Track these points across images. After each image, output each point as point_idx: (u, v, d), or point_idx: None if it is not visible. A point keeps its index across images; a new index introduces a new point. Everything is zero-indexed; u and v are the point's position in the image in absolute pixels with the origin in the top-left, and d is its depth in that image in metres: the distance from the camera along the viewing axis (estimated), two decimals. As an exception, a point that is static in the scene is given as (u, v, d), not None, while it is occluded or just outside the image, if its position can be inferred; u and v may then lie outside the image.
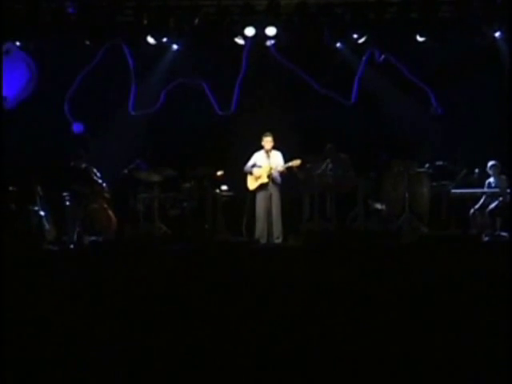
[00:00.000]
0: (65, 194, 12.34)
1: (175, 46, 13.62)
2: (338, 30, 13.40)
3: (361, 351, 4.23)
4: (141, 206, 12.66)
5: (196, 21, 13.08)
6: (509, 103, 12.40)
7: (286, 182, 12.24)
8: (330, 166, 12.70)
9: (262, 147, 12.22)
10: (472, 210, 12.41)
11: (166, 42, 13.51)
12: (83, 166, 12.47)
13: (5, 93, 12.94)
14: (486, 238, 11.66)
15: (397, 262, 7.53)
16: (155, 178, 12.66)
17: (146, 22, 13.07)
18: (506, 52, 13.16)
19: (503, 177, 12.40)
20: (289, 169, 12.02)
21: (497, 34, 13.13)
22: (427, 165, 12.91)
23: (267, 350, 4.21)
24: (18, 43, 13.28)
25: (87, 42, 13.34)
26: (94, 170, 12.55)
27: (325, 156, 12.81)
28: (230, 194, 12.95)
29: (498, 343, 4.27)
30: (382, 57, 13.77)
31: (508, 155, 11.94)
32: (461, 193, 12.50)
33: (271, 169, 12.03)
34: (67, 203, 12.32)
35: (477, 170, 12.66)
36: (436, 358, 4.16)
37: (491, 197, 12.40)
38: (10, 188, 12.08)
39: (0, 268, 6.74)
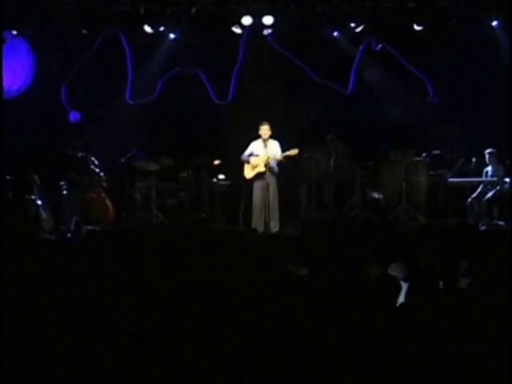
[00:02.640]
0: (62, 182, 12.35)
1: (172, 35, 13.63)
2: (335, 19, 13.42)
3: (356, 341, 4.24)
4: (138, 195, 12.69)
5: (193, 10, 13.09)
6: (509, 92, 12.40)
7: (283, 171, 12.22)
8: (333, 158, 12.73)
9: (259, 136, 12.16)
10: (469, 199, 12.40)
11: (163, 31, 13.53)
12: (80, 154, 12.47)
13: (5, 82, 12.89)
14: (483, 227, 11.67)
15: (393, 251, 7.53)
16: (152, 167, 12.69)
17: (142, 10, 13.08)
18: (504, 41, 13.16)
19: (501, 165, 12.39)
20: (286, 158, 11.97)
21: (494, 23, 13.13)
22: (425, 154, 12.93)
23: (263, 340, 4.22)
24: (14, 32, 13.23)
25: (84, 31, 13.35)
26: (92, 159, 12.54)
27: (328, 146, 12.83)
28: (227, 183, 12.97)
29: (492, 334, 4.28)
30: (380, 46, 13.76)
31: (509, 144, 11.91)
32: (458, 182, 12.50)
33: (268, 158, 11.95)
34: (64, 192, 12.33)
35: (474, 159, 12.63)
36: (430, 346, 4.17)
37: (488, 186, 12.39)
38: (7, 177, 12.08)
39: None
